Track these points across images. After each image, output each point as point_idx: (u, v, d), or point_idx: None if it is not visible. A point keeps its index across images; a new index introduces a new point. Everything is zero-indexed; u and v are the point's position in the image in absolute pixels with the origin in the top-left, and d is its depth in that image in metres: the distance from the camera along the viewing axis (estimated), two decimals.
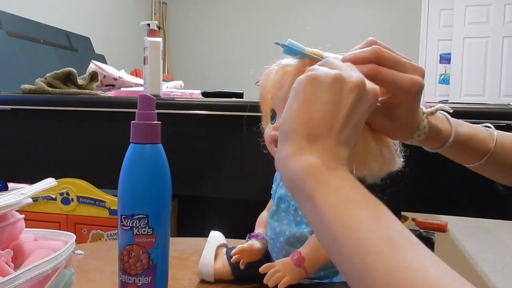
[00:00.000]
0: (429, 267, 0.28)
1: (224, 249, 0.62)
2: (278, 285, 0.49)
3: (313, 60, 0.47)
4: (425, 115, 0.49)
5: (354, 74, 0.39)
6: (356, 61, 0.43)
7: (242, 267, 0.57)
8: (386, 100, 0.45)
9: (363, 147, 0.46)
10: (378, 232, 0.31)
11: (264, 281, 0.49)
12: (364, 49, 0.44)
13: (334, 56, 0.51)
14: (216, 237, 0.64)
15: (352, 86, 0.38)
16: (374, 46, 0.44)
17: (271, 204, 0.61)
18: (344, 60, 0.44)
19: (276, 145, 0.53)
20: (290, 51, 0.47)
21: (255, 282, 0.57)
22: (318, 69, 0.40)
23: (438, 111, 0.50)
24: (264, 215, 0.63)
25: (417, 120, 0.48)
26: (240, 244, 0.58)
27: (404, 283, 0.27)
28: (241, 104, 1.11)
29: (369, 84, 0.39)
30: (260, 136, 0.58)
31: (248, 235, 0.61)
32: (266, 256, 0.58)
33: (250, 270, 0.57)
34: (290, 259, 0.50)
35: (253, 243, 0.58)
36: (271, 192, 0.61)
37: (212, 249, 0.60)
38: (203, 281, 0.59)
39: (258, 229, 0.62)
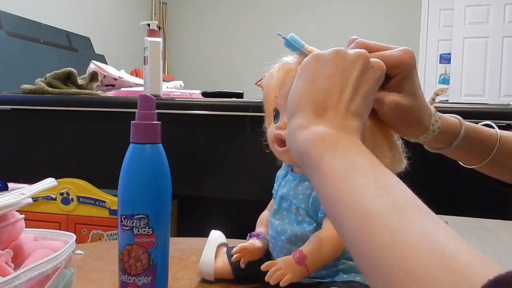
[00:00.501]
0: (436, 231, 0.26)
1: (225, 248, 0.62)
2: (280, 283, 0.49)
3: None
4: (430, 104, 0.50)
5: (356, 50, 0.40)
6: None
7: (242, 266, 0.57)
8: (388, 83, 0.46)
9: (372, 143, 0.46)
10: (384, 197, 0.30)
11: (266, 278, 0.49)
12: (350, 47, 0.47)
13: None
14: (216, 236, 0.64)
15: (355, 57, 0.39)
16: (357, 40, 0.47)
17: (272, 204, 0.61)
18: None
19: (279, 145, 0.54)
20: (290, 45, 0.48)
21: (255, 281, 0.57)
22: (317, 51, 0.41)
23: (450, 115, 0.52)
24: (265, 215, 0.63)
25: (424, 102, 0.48)
26: (241, 243, 0.58)
27: (406, 244, 0.26)
28: (241, 104, 1.11)
29: (373, 59, 0.40)
30: (262, 136, 0.58)
31: (248, 234, 0.61)
32: (266, 255, 0.58)
33: (250, 269, 0.57)
34: (291, 258, 0.50)
35: (254, 242, 0.58)
36: (273, 192, 0.61)
37: (213, 248, 0.60)
38: (203, 281, 0.59)
39: (259, 228, 0.62)
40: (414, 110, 0.47)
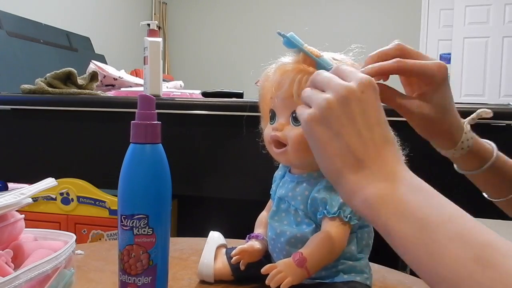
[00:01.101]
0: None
1: (224, 250, 0.62)
2: (281, 286, 0.48)
3: (307, 57, 0.48)
4: (465, 123, 0.50)
5: (334, 90, 0.39)
6: (382, 56, 0.45)
7: (242, 267, 0.57)
8: (420, 91, 0.47)
9: None
10: (464, 253, 0.30)
11: (267, 282, 0.49)
12: (389, 46, 0.46)
13: (332, 55, 0.51)
14: (215, 237, 0.64)
15: (344, 101, 0.38)
16: (397, 42, 0.47)
17: (270, 205, 0.61)
18: (369, 58, 0.46)
19: (276, 146, 0.53)
20: (289, 43, 0.48)
21: (255, 282, 0.57)
22: (304, 111, 0.40)
23: (485, 141, 0.53)
24: (263, 216, 0.63)
25: (455, 116, 0.49)
26: (240, 245, 0.58)
27: None
28: (241, 104, 1.11)
29: (360, 78, 0.39)
30: (260, 136, 0.58)
31: (248, 235, 0.61)
32: (266, 257, 0.58)
33: (250, 270, 0.57)
34: (291, 260, 0.50)
35: (253, 244, 0.58)
36: (271, 193, 0.60)
37: (212, 250, 0.60)
38: (203, 282, 0.59)
39: (258, 230, 0.62)
40: (442, 122, 0.48)
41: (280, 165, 0.60)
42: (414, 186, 0.36)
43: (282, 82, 0.52)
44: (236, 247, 0.58)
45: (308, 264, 0.49)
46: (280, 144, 0.53)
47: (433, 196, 0.35)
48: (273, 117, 0.55)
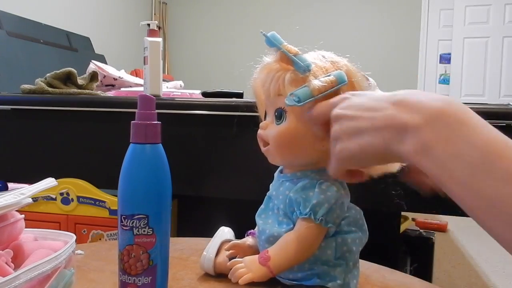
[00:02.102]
0: None
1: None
2: (239, 281, 0.49)
3: (284, 55, 0.49)
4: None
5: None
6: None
7: None
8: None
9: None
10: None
11: (229, 275, 0.50)
12: None
13: (316, 55, 0.52)
14: (224, 232, 0.65)
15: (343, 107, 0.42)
16: None
17: None
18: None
19: (262, 144, 0.54)
20: (269, 42, 0.49)
21: None
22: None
23: None
24: None
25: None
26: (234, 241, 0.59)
27: None
28: (241, 104, 1.11)
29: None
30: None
31: (247, 232, 0.61)
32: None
33: None
34: (257, 257, 0.51)
35: (246, 240, 0.59)
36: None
37: (216, 243, 0.61)
38: (204, 280, 0.59)
39: None
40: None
41: None
42: (459, 121, 0.35)
43: (266, 81, 0.52)
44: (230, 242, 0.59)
45: (271, 263, 0.50)
46: (265, 142, 0.53)
47: (474, 131, 0.34)
48: (265, 116, 0.55)
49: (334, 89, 0.47)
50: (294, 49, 0.49)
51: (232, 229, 0.68)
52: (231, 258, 0.58)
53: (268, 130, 0.53)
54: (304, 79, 0.48)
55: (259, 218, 0.56)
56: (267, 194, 0.58)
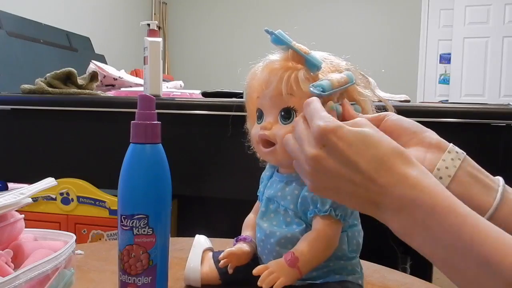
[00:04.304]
0: None
1: (210, 253, 0.61)
2: (274, 287, 0.47)
3: (296, 54, 0.48)
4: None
5: (303, 160, 0.40)
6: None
7: (230, 271, 0.56)
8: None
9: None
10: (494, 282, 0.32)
11: (259, 283, 0.48)
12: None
13: (321, 54, 0.52)
14: (201, 241, 0.63)
15: (316, 169, 0.39)
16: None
17: (257, 206, 0.60)
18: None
19: (263, 145, 0.53)
20: (278, 40, 0.48)
21: (243, 286, 0.55)
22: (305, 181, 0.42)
23: None
24: (250, 218, 0.61)
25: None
26: (227, 248, 0.57)
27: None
28: (241, 104, 1.11)
29: (315, 147, 0.39)
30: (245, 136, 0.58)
31: (235, 238, 0.59)
32: (254, 260, 0.57)
33: (238, 274, 0.56)
34: (283, 260, 0.49)
35: (241, 247, 0.57)
36: (258, 194, 0.59)
37: (198, 254, 0.59)
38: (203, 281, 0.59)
39: (245, 232, 0.60)
40: None
41: (268, 165, 0.59)
42: (428, 206, 0.35)
43: (270, 80, 0.51)
44: (223, 251, 0.56)
45: (300, 264, 0.49)
46: (268, 143, 0.52)
47: (447, 216, 0.34)
48: (260, 116, 0.54)
49: (347, 86, 0.47)
50: (305, 47, 0.49)
51: (231, 229, 0.67)
52: (220, 267, 0.56)
53: (274, 130, 0.51)
54: (314, 78, 0.48)
55: (262, 221, 0.55)
56: (265, 196, 0.56)
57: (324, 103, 0.44)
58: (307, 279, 0.52)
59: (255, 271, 0.49)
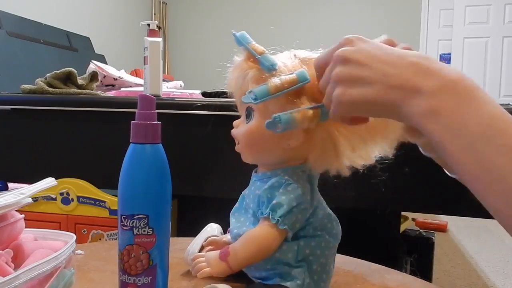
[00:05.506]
0: None
1: None
2: (197, 275, 0.52)
3: (251, 55, 0.50)
4: None
5: (335, 55, 0.42)
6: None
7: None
8: None
9: (383, 120, 0.46)
10: None
11: (190, 269, 0.53)
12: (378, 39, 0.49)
13: (285, 55, 0.52)
14: (212, 228, 0.66)
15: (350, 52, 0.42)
16: (385, 38, 0.50)
17: None
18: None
19: (237, 143, 0.55)
20: (237, 41, 0.51)
21: (229, 276, 0.55)
22: (330, 93, 0.41)
23: None
24: None
25: None
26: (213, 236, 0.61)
27: None
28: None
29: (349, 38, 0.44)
30: None
31: (228, 229, 0.61)
32: None
33: None
34: (218, 253, 0.53)
35: (223, 237, 0.61)
36: None
37: (201, 239, 0.62)
38: (203, 281, 0.59)
39: None
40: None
41: None
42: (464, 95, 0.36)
43: (237, 80, 0.53)
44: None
45: (229, 259, 0.51)
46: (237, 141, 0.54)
47: (483, 105, 0.35)
48: (248, 115, 0.55)
49: (295, 87, 0.46)
50: (261, 48, 0.50)
51: None
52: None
53: (239, 128, 0.54)
54: (267, 78, 0.48)
55: (233, 217, 0.56)
56: (242, 193, 0.58)
57: (268, 111, 0.46)
58: (259, 278, 0.53)
59: (192, 257, 0.55)
